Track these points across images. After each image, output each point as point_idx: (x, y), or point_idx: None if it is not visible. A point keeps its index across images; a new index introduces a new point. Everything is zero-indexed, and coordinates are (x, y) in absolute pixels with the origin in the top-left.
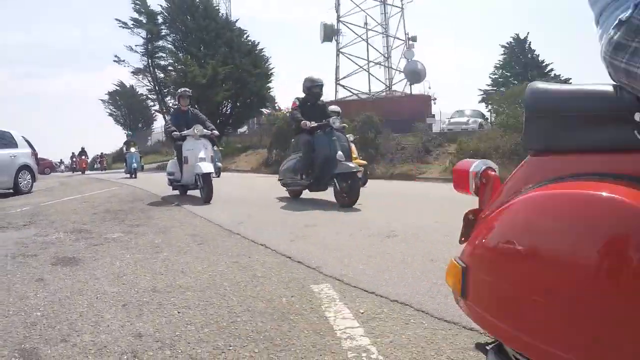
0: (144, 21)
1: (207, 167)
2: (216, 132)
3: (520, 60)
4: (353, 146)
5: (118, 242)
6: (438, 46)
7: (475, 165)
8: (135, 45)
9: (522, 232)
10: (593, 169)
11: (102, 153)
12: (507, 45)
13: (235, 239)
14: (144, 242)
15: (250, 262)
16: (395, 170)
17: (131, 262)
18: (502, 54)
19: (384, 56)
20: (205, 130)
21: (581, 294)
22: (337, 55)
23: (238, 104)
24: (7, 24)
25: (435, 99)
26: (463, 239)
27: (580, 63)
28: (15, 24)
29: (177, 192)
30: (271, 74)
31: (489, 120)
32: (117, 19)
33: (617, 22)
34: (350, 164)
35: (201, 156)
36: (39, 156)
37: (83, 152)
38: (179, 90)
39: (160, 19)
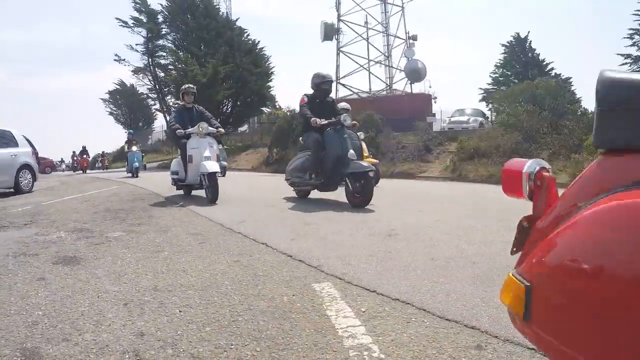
0: (145, 20)
1: (212, 166)
2: (222, 129)
3: (520, 59)
4: (364, 145)
5: (119, 241)
6: (438, 45)
7: (529, 165)
8: (136, 44)
9: (604, 248)
10: None
11: (103, 152)
12: (508, 44)
13: (237, 237)
14: (145, 241)
15: (252, 261)
16: (396, 169)
17: (132, 261)
18: (502, 53)
19: (385, 55)
20: (210, 128)
21: None
22: (338, 54)
23: (238, 102)
24: (7, 23)
25: (436, 97)
26: (515, 249)
27: (580, 63)
28: (16, 22)
29: (181, 192)
30: (271, 72)
31: (489, 119)
32: (117, 18)
33: None
34: (363, 163)
35: (206, 155)
36: (39, 155)
37: (84, 151)
38: (183, 87)
39: (160, 18)
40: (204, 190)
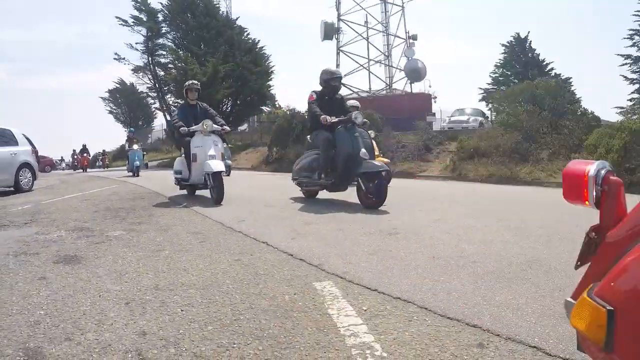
0: (145, 19)
1: (217, 165)
2: (227, 127)
3: (520, 59)
4: (375, 143)
5: (120, 240)
6: (438, 45)
7: (594, 168)
8: (136, 43)
9: None
10: None
11: (103, 150)
12: (508, 44)
13: (237, 236)
14: (146, 240)
15: (252, 260)
16: (396, 168)
17: (133, 260)
18: (502, 53)
19: (385, 54)
20: (215, 126)
21: None
22: (338, 53)
23: (238, 101)
24: (7, 22)
25: (436, 97)
26: (579, 262)
27: (580, 63)
28: (16, 21)
29: (184, 192)
30: (271, 72)
31: (489, 119)
32: (117, 17)
33: None
34: (376, 163)
35: (211, 153)
36: (39, 154)
37: (85, 149)
38: (187, 83)
39: (160, 17)
40: (208, 190)
